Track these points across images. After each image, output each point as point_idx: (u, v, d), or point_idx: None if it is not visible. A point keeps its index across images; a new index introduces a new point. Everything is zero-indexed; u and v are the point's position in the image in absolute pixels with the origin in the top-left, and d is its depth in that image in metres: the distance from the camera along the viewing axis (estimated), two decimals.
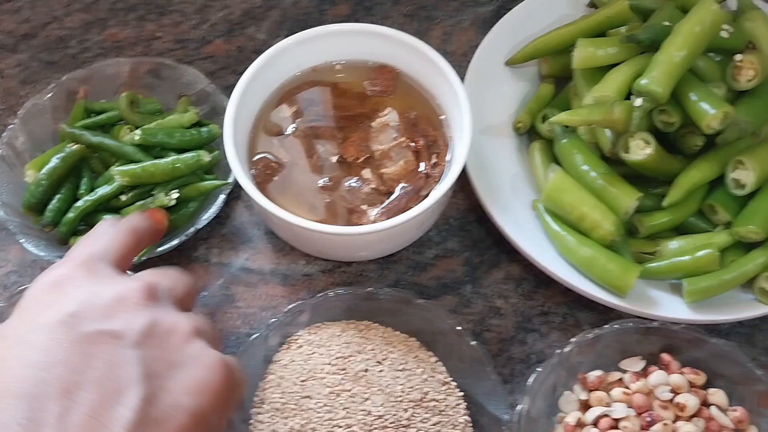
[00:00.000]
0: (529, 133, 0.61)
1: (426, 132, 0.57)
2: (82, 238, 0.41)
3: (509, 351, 0.55)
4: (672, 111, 0.52)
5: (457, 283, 0.58)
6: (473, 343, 0.51)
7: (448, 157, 0.56)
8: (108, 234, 0.41)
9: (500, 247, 0.59)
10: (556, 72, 0.62)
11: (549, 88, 0.62)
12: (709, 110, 0.50)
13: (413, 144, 0.56)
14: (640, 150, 0.52)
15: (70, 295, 0.34)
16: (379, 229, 0.49)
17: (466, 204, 0.61)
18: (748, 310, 0.52)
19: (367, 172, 0.56)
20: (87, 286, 0.35)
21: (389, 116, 0.58)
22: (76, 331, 0.32)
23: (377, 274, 0.58)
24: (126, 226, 0.43)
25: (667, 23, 0.54)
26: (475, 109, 0.59)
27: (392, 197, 0.54)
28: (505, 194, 0.57)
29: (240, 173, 0.51)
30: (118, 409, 0.30)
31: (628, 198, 0.52)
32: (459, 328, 0.51)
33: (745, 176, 0.52)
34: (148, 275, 0.38)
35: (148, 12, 0.72)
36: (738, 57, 0.53)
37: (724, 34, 0.55)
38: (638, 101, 0.51)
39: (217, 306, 0.57)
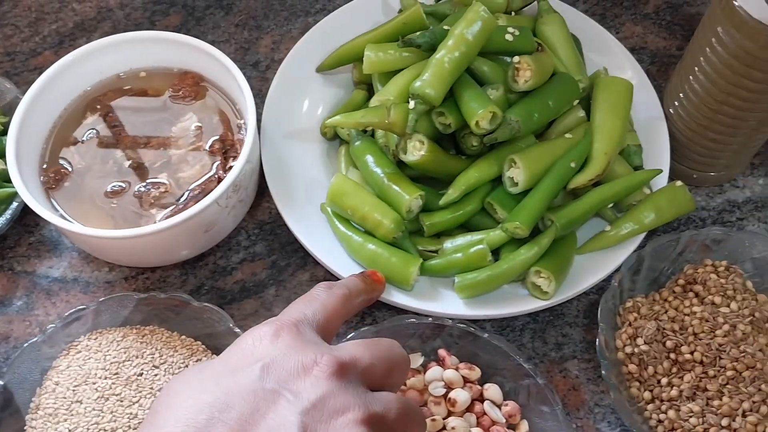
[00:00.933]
0: (341, 137, 0.62)
1: (225, 137, 0.58)
2: (298, 300, 0.41)
3: None
4: (447, 112, 0.53)
5: (260, 287, 0.58)
6: None
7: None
8: (320, 299, 0.41)
9: (307, 250, 0.59)
10: (366, 78, 0.63)
11: (361, 94, 0.62)
12: (477, 109, 0.51)
13: (209, 148, 0.57)
14: (417, 151, 0.53)
15: (268, 350, 0.35)
16: (139, 234, 0.49)
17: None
18: (522, 304, 0.52)
19: (164, 176, 0.56)
20: (286, 346, 0.36)
21: (189, 121, 0.58)
22: (258, 384, 0.33)
23: (180, 279, 0.59)
24: (339, 292, 0.42)
25: (446, 27, 0.55)
26: (282, 114, 0.60)
27: (179, 200, 0.55)
28: (305, 198, 0.57)
29: (18, 180, 0.51)
30: None
31: (409, 195, 0.53)
32: (237, 330, 0.51)
33: (517, 175, 0.53)
34: (352, 349, 0.37)
35: None
36: (516, 59, 0.54)
37: (509, 38, 0.56)
38: (412, 103, 0.52)
39: (16, 315, 0.57)
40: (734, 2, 0.49)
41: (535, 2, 0.63)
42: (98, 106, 0.59)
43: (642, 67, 0.68)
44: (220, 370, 0.35)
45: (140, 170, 0.56)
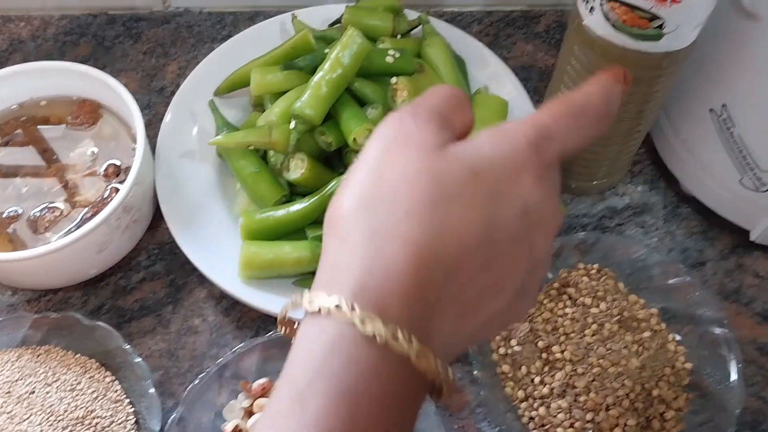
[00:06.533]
0: None
1: (120, 161, 0.60)
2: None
3: (200, 366, 0.58)
4: (328, 131, 0.56)
5: (158, 305, 0.60)
6: (137, 360, 0.53)
7: None
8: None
9: (199, 270, 0.61)
10: (262, 100, 0.66)
11: (258, 116, 0.65)
12: (354, 127, 0.54)
13: (104, 172, 0.59)
14: (298, 169, 0.56)
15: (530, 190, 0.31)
16: (29, 256, 0.51)
17: None
18: None
19: (60, 201, 0.58)
20: (549, 195, 0.32)
21: (86, 147, 0.61)
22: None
23: (81, 300, 0.60)
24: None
25: (327, 51, 0.58)
26: (178, 137, 0.63)
27: (73, 223, 0.57)
28: (198, 219, 0.60)
29: None
30: None
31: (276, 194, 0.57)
32: (126, 347, 0.53)
33: None
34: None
35: None
36: (393, 80, 0.58)
37: (390, 60, 0.59)
38: (293, 123, 0.55)
39: None
40: (582, 22, 0.53)
41: (420, 26, 0.66)
42: None
43: (531, 85, 0.72)
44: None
45: (38, 196, 0.58)
